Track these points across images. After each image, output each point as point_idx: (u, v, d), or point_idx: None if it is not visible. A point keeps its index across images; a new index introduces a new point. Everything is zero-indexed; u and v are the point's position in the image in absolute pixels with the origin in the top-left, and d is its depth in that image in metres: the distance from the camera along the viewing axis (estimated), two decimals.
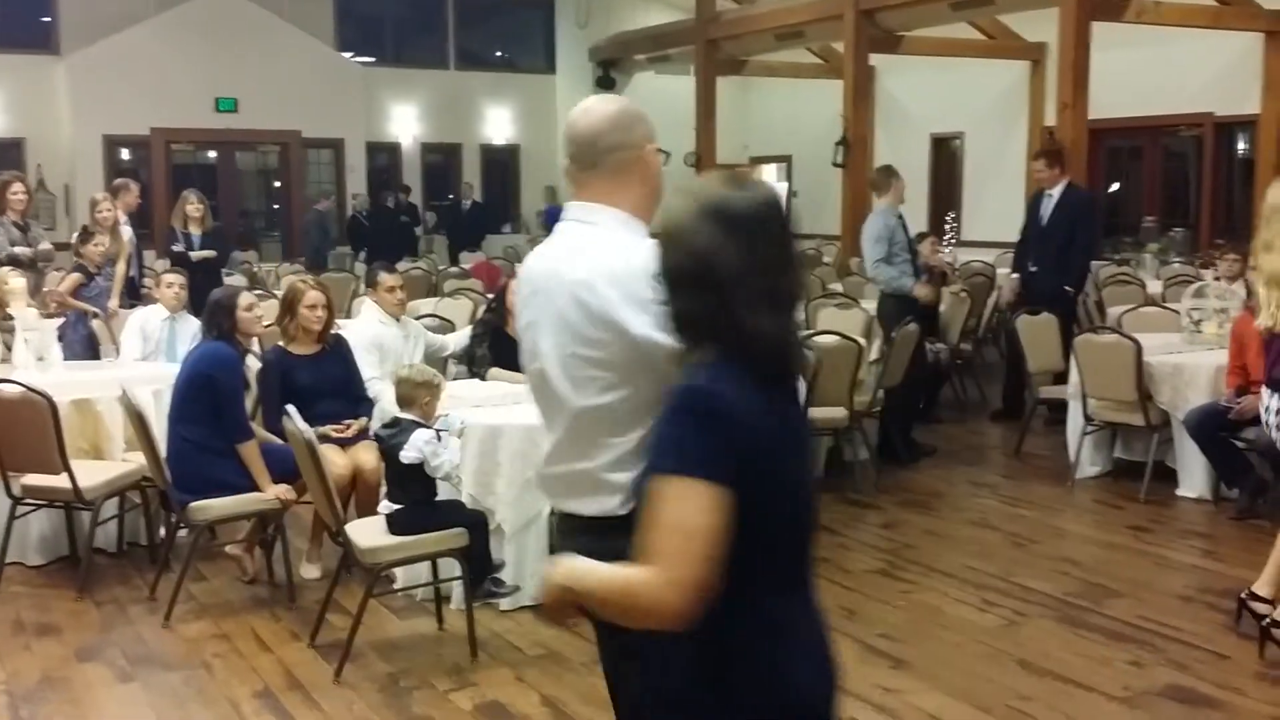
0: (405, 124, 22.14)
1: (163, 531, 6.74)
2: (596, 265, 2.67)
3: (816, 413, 7.31)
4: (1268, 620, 5.23)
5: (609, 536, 2.50)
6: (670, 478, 2.05)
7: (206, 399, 6.01)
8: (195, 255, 10.84)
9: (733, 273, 2.14)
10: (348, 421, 6.57)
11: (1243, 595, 5.47)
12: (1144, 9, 13.13)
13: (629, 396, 2.63)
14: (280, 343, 6.75)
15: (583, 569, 2.19)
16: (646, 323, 2.51)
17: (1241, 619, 5.48)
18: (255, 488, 6.01)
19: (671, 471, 2.06)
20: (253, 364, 6.84)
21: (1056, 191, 9.99)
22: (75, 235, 10.27)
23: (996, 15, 16.91)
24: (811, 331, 8.59)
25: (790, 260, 2.24)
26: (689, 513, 2.03)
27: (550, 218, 19.43)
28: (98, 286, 9.67)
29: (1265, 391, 5.52)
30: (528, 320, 2.83)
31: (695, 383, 2.13)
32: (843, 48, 16.49)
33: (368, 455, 6.36)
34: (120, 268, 10.07)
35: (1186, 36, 14.50)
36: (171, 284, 8.21)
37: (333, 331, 6.84)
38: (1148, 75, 15.38)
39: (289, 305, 6.68)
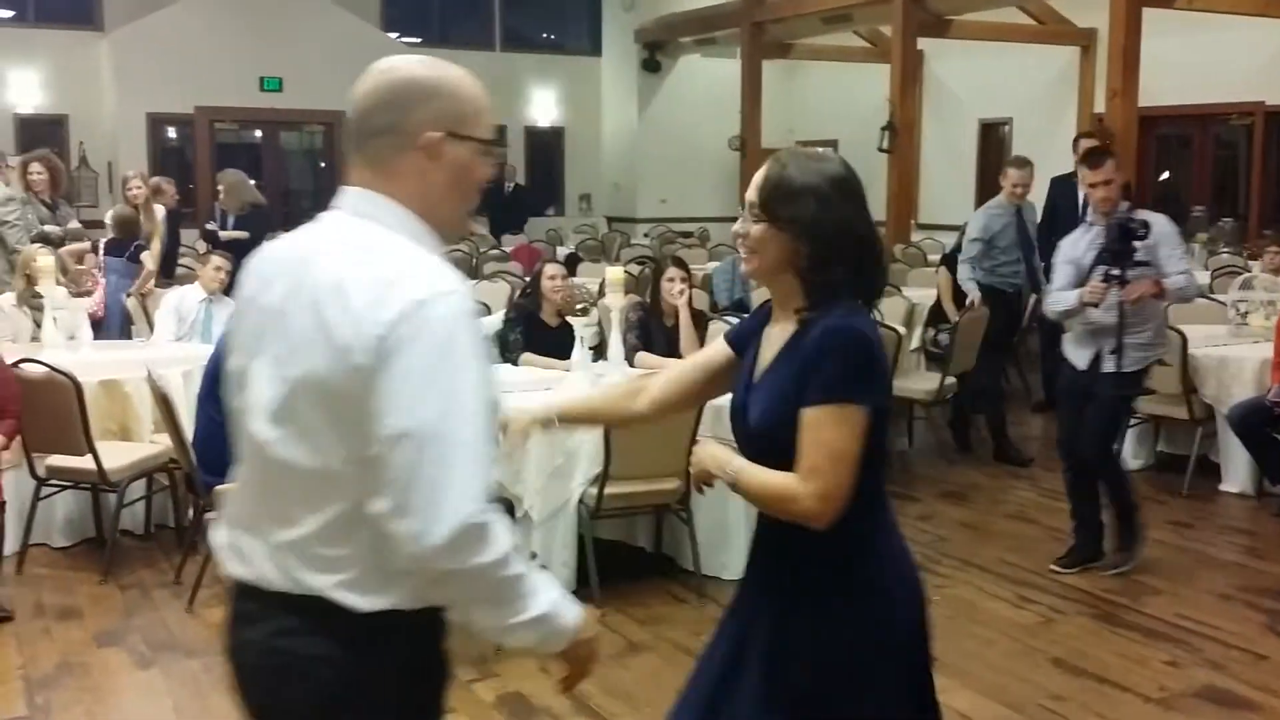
0: None
1: (190, 514, 6.70)
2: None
3: None
4: None
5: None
6: (835, 405, 2.49)
7: None
8: (225, 235, 10.84)
9: (866, 237, 2.64)
10: None
11: None
12: None
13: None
14: None
15: (741, 467, 2.61)
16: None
17: None
18: None
19: (830, 400, 2.50)
20: None
21: None
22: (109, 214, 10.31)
23: (1047, 0, 16.70)
24: None
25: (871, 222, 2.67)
26: (845, 436, 2.49)
27: None
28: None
29: None
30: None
31: (846, 323, 2.55)
32: (890, 31, 16.33)
33: None
34: (155, 247, 10.08)
35: (1238, 24, 14.24)
36: (220, 267, 8.19)
37: None
38: (1198, 63, 15.12)
39: None
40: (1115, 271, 5.91)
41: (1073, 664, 5.16)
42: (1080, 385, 6.23)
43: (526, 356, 7.08)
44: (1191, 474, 7.77)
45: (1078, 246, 6.28)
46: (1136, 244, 5.93)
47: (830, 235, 2.56)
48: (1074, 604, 5.87)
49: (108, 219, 10.36)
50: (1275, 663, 5.16)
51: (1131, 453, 8.26)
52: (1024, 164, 9.04)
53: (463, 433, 1.98)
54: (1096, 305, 6.02)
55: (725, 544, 6.14)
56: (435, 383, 1.97)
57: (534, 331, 7.18)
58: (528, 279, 9.29)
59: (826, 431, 2.49)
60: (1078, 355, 6.27)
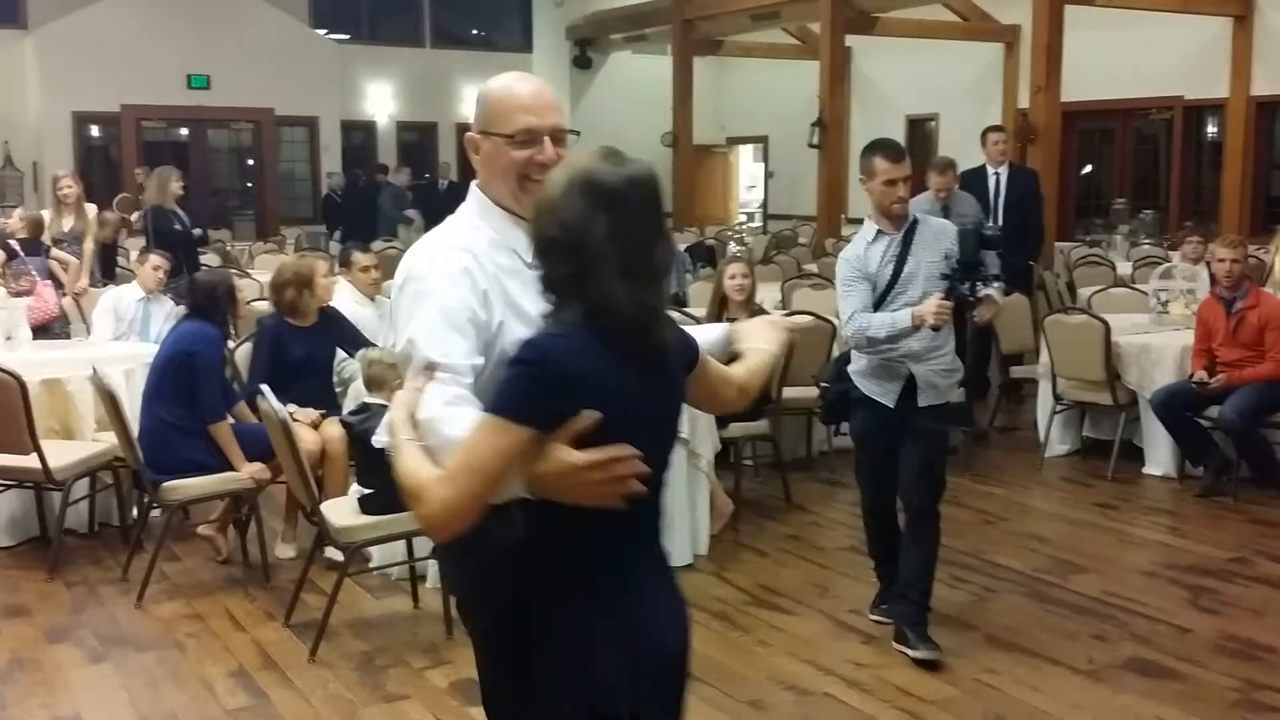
0: (380, 102, 22.06)
1: (135, 512, 6.71)
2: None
3: (790, 392, 7.35)
4: None
5: None
6: (487, 415, 2.22)
7: (184, 378, 5.97)
8: (198, 232, 10.85)
9: (596, 244, 2.24)
10: (312, 415, 6.48)
11: None
12: None
13: None
14: (287, 318, 6.73)
15: (409, 440, 2.34)
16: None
17: None
18: (229, 468, 6.01)
19: (490, 410, 2.22)
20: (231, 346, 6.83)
21: (1004, 170, 9.99)
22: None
23: None
24: (786, 311, 8.68)
25: (656, 235, 2.35)
26: (488, 450, 2.19)
27: None
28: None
29: None
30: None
31: (535, 338, 2.27)
32: (819, 28, 16.52)
33: (333, 430, 6.32)
34: (88, 245, 10.04)
35: (1158, 20, 14.58)
36: (158, 266, 8.16)
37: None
38: (1120, 58, 15.45)
39: (306, 281, 6.68)
40: (965, 287, 5.05)
41: (1005, 640, 5.32)
42: (893, 427, 5.13)
43: None
44: (1116, 458, 7.97)
45: (869, 260, 5.16)
46: (986, 254, 5.24)
47: (545, 219, 2.30)
48: (1005, 583, 6.04)
49: (16, 218, 10.26)
50: (1198, 635, 5.35)
51: (1058, 438, 8.48)
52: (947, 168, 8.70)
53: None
54: (938, 328, 4.97)
55: (667, 530, 6.25)
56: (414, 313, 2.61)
57: None
58: None
59: (476, 440, 2.21)
60: (884, 391, 5.13)
